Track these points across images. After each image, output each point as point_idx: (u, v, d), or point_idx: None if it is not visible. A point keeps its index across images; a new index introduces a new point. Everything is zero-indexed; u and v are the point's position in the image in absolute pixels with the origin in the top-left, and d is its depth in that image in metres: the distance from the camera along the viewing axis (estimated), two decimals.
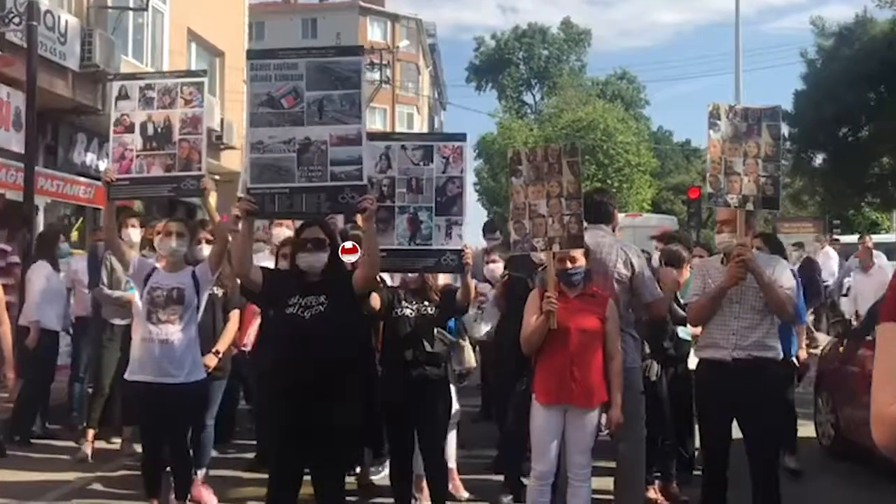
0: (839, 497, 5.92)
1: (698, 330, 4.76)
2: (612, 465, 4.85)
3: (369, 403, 4.70)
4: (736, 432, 4.47)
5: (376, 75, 33.68)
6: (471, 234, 5.67)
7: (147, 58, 15.16)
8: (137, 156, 4.52)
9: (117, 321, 6.55)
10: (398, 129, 40.03)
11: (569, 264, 4.37)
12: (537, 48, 56.72)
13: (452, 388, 5.14)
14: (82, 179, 12.73)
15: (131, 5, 13.86)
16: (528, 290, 4.72)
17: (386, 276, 4.94)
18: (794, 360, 6.12)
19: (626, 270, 4.73)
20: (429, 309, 4.68)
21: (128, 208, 6.73)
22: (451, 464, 5.41)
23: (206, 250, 5.18)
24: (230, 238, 4.52)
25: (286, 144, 4.02)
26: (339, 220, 5.84)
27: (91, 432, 6.52)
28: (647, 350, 5.37)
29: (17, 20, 10.04)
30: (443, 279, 4.94)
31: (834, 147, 21.37)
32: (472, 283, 4.86)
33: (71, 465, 6.29)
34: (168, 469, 4.89)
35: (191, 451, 5.12)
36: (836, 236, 18.73)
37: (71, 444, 6.77)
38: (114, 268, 6.43)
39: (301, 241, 4.09)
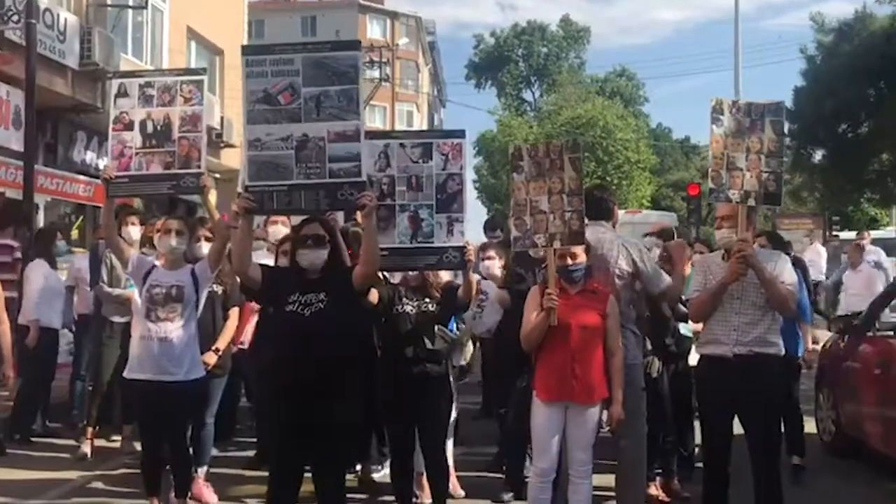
0: (840, 493, 5.90)
1: (699, 326, 4.74)
2: (614, 461, 4.83)
3: (370, 400, 4.70)
4: (737, 428, 4.46)
5: (376, 73, 33.70)
6: (471, 231, 5.65)
7: (146, 56, 15.15)
8: (137, 153, 4.51)
9: (117, 318, 6.55)
10: (398, 127, 39.94)
11: (569, 261, 4.36)
12: (536, 45, 56.64)
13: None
14: (82, 178, 12.73)
15: (131, 3, 13.85)
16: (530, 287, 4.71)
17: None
18: (801, 361, 6.11)
19: (627, 266, 4.72)
20: (429, 306, 4.66)
21: (127, 206, 6.73)
22: (448, 461, 5.39)
23: (205, 248, 5.16)
24: (230, 236, 4.51)
25: (284, 141, 3.98)
26: (340, 217, 5.82)
27: (90, 430, 6.52)
28: (649, 346, 5.36)
29: (16, 18, 10.04)
30: (445, 276, 4.93)
31: (833, 143, 21.30)
32: (475, 279, 4.85)
33: (71, 464, 6.27)
34: (168, 467, 4.88)
35: (191, 449, 5.11)
36: (835, 232, 18.71)
37: (71, 442, 6.76)
38: (114, 265, 6.43)
39: (301, 237, 4.08)
